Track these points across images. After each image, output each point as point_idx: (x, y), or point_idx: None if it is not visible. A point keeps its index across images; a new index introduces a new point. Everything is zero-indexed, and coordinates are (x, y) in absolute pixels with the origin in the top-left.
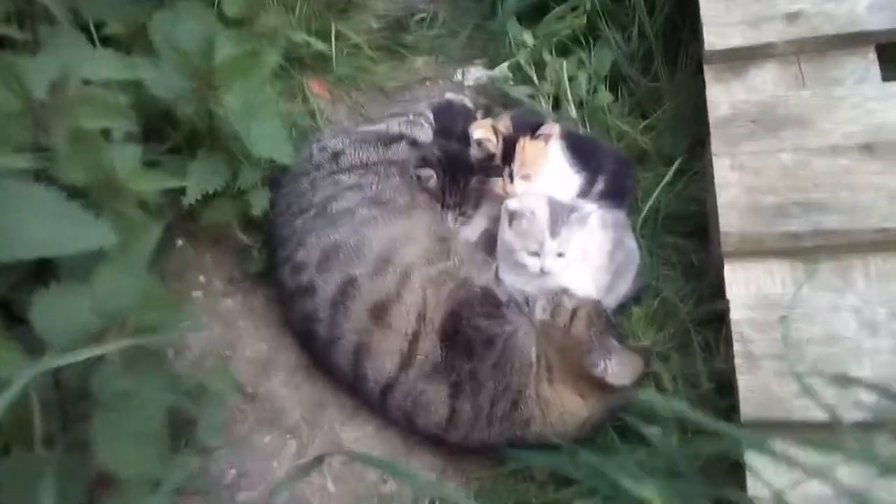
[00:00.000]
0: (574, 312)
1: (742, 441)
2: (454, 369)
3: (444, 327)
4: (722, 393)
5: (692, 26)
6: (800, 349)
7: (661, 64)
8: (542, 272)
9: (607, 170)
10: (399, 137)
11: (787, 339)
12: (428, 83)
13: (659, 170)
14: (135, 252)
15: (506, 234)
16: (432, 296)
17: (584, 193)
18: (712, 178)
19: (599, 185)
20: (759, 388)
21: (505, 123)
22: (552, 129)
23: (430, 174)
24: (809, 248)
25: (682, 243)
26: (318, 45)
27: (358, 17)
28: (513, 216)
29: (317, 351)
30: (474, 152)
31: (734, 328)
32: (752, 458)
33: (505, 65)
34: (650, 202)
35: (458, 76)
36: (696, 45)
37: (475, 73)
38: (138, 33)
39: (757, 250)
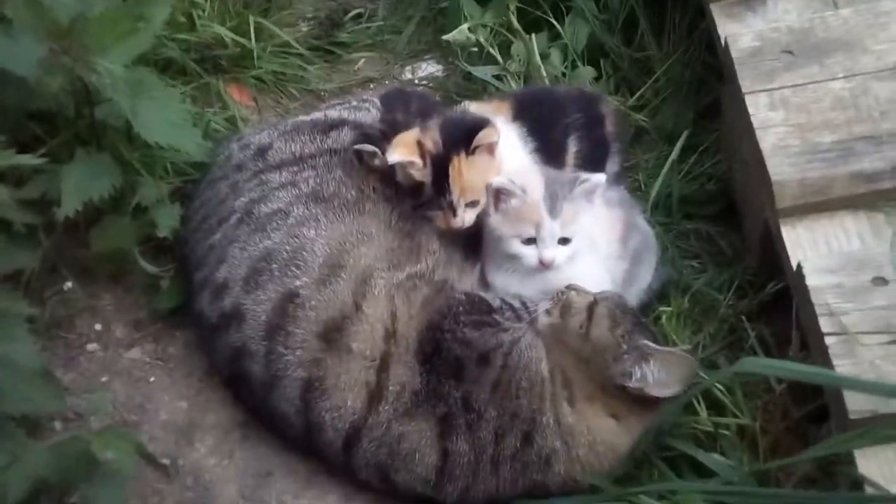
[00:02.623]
0: (591, 310)
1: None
2: (441, 398)
3: (422, 345)
4: (799, 396)
5: None
6: None
7: (647, 31)
8: (543, 264)
9: (575, 126)
10: (340, 123)
11: None
12: (372, 85)
13: (662, 149)
14: None
15: (492, 220)
16: (402, 306)
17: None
18: (746, 126)
19: (572, 149)
20: (865, 375)
21: (432, 136)
22: (491, 134)
23: (372, 150)
24: (890, 190)
25: (706, 228)
26: (238, 40)
27: (281, 17)
28: (499, 196)
29: (253, 400)
30: (399, 179)
31: (815, 299)
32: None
33: (465, 26)
34: (657, 185)
35: (408, 74)
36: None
37: (427, 69)
38: None
39: (822, 201)
